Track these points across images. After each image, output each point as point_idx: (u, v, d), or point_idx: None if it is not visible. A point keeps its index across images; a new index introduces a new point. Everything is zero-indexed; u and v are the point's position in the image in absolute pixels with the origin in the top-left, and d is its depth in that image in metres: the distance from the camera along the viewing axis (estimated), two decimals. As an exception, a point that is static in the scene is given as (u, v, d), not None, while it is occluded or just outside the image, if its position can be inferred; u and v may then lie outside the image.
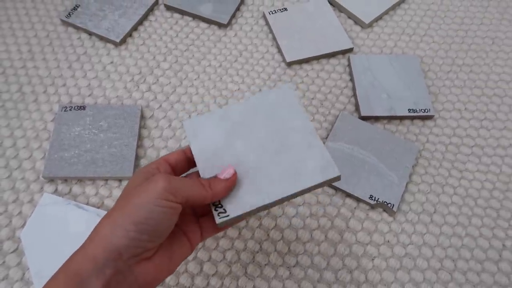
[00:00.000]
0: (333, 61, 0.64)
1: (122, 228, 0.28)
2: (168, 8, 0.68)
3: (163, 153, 0.54)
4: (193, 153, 0.36)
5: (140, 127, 0.56)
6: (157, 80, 0.61)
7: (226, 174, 0.33)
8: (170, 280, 0.46)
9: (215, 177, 0.34)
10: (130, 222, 0.28)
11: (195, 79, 0.61)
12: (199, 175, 0.35)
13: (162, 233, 0.30)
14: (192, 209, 0.36)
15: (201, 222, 0.36)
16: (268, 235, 0.49)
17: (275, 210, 0.51)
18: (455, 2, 0.72)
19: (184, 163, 0.36)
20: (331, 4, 0.70)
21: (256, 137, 0.37)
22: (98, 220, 0.48)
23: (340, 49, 0.64)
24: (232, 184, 0.33)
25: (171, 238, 0.32)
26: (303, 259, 0.48)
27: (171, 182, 0.30)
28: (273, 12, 0.67)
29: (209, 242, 0.49)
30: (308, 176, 0.35)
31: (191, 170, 0.38)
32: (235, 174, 0.34)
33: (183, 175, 0.37)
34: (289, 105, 0.39)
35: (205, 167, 0.36)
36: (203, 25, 0.67)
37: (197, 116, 0.36)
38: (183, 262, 0.47)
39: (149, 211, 0.28)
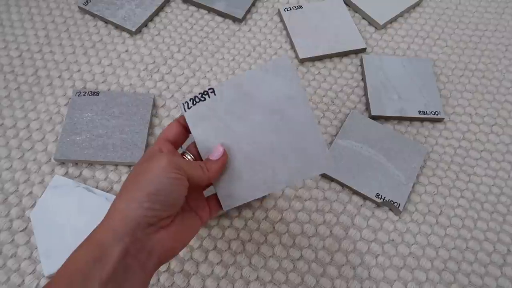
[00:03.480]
0: (345, 60, 0.64)
1: (136, 201, 0.31)
2: (184, 0, 0.68)
3: (173, 142, 0.55)
4: (196, 142, 0.38)
5: (152, 116, 0.57)
6: (171, 70, 0.61)
7: (216, 155, 0.36)
8: (175, 266, 0.47)
9: (207, 159, 0.36)
10: (143, 194, 0.31)
11: (208, 71, 0.62)
12: (195, 146, 0.38)
13: (174, 202, 0.32)
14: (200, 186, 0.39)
15: (209, 200, 0.39)
16: (273, 227, 0.50)
17: (281, 203, 0.51)
18: (470, 7, 0.72)
19: (182, 134, 0.38)
20: (346, 4, 0.70)
21: (254, 123, 0.37)
22: (107, 203, 0.49)
23: (353, 49, 0.64)
24: (223, 164, 0.36)
25: (183, 213, 0.35)
26: (308, 253, 0.48)
27: (173, 159, 0.33)
28: (288, 9, 0.68)
29: (215, 231, 0.49)
30: (304, 171, 0.36)
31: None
32: (225, 153, 0.36)
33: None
34: (285, 85, 0.36)
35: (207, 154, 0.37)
36: (218, 18, 0.67)
37: (196, 106, 0.37)
38: (188, 250, 0.47)
39: (159, 182, 0.31)
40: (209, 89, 0.36)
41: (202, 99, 0.36)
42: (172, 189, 0.32)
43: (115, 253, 0.29)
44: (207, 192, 0.40)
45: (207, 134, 0.37)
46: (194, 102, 0.36)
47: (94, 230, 0.31)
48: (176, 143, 0.37)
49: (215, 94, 0.36)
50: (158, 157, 0.33)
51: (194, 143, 0.38)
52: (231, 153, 0.37)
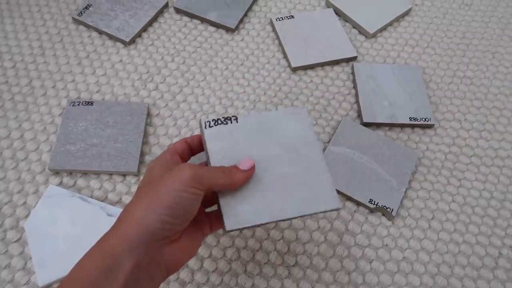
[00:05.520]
0: (337, 68, 0.66)
1: (156, 212, 0.30)
2: (178, 11, 0.69)
3: (167, 150, 0.55)
4: (211, 159, 0.38)
5: (146, 125, 0.57)
6: (164, 79, 0.62)
7: (245, 166, 0.35)
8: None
9: (235, 166, 0.35)
10: (162, 206, 0.30)
11: (202, 80, 0.63)
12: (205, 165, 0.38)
13: (189, 217, 0.32)
14: (202, 202, 0.38)
15: (211, 216, 0.38)
16: (268, 234, 0.50)
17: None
18: (457, 16, 0.74)
19: (188, 152, 0.38)
20: (337, 13, 0.71)
21: (270, 153, 0.38)
22: (101, 213, 0.49)
23: (344, 57, 0.65)
24: (250, 175, 0.36)
25: (190, 226, 0.34)
26: (302, 259, 0.49)
27: (197, 170, 0.32)
28: (280, 19, 0.69)
29: (210, 239, 0.49)
30: (311, 205, 0.37)
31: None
32: (253, 166, 0.36)
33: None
34: (302, 129, 0.39)
35: None
36: (211, 28, 0.68)
37: (217, 127, 0.38)
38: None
39: (179, 196, 0.31)
40: (233, 117, 0.38)
41: (225, 122, 0.38)
42: (190, 204, 0.32)
43: (128, 265, 0.28)
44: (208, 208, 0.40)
45: (223, 153, 0.38)
46: (216, 123, 0.38)
47: (106, 235, 0.30)
48: (183, 157, 0.37)
49: (237, 122, 0.38)
50: (181, 168, 0.32)
51: (203, 163, 0.39)
52: None
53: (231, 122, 0.38)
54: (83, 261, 0.29)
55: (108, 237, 0.30)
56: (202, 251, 0.48)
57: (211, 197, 0.39)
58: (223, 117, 0.38)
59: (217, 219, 0.38)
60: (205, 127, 0.38)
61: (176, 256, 0.32)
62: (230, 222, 0.37)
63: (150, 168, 0.35)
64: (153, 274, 0.31)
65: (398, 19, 0.72)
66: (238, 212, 0.37)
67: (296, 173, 0.38)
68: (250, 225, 0.37)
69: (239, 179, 0.35)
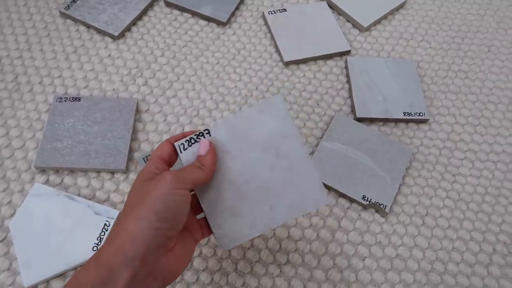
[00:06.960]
0: (330, 62, 0.64)
1: (146, 220, 0.30)
2: (168, 4, 0.68)
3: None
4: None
5: (135, 121, 0.56)
6: (154, 74, 0.61)
7: (204, 149, 0.36)
8: (159, 274, 0.46)
9: (198, 155, 0.36)
10: (152, 213, 0.30)
11: (192, 75, 0.61)
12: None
13: (180, 220, 0.32)
14: (192, 208, 0.38)
15: (202, 222, 0.38)
16: (259, 232, 0.49)
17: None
18: (452, 9, 0.73)
19: (173, 153, 0.37)
20: (330, 7, 0.70)
21: (249, 160, 0.37)
22: (88, 211, 0.48)
23: (337, 51, 0.64)
24: (214, 153, 0.36)
25: (182, 233, 0.35)
26: (294, 257, 0.48)
27: (176, 174, 0.33)
28: (273, 12, 0.67)
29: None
30: (300, 206, 0.37)
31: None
32: (211, 144, 0.36)
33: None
34: (278, 124, 0.37)
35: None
36: (202, 22, 0.67)
37: (191, 147, 0.37)
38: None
39: (167, 200, 0.31)
40: (204, 130, 0.37)
41: (198, 140, 0.36)
42: (179, 206, 0.32)
43: (123, 278, 0.28)
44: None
45: None
46: (190, 144, 0.36)
47: (101, 249, 0.30)
48: (170, 162, 0.37)
49: (210, 135, 0.37)
50: (162, 175, 0.32)
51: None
52: (226, 191, 0.37)
53: (204, 137, 0.37)
54: (79, 274, 0.29)
55: (103, 250, 0.30)
56: (192, 249, 0.47)
57: (199, 204, 0.38)
58: (195, 135, 0.36)
59: (208, 226, 0.38)
60: (180, 151, 0.36)
61: (172, 266, 0.32)
62: (223, 243, 0.37)
63: (135, 180, 0.35)
64: (149, 285, 0.31)
65: (393, 12, 0.71)
66: (229, 230, 0.37)
67: (279, 176, 0.37)
68: (242, 242, 0.37)
69: (210, 164, 0.35)
